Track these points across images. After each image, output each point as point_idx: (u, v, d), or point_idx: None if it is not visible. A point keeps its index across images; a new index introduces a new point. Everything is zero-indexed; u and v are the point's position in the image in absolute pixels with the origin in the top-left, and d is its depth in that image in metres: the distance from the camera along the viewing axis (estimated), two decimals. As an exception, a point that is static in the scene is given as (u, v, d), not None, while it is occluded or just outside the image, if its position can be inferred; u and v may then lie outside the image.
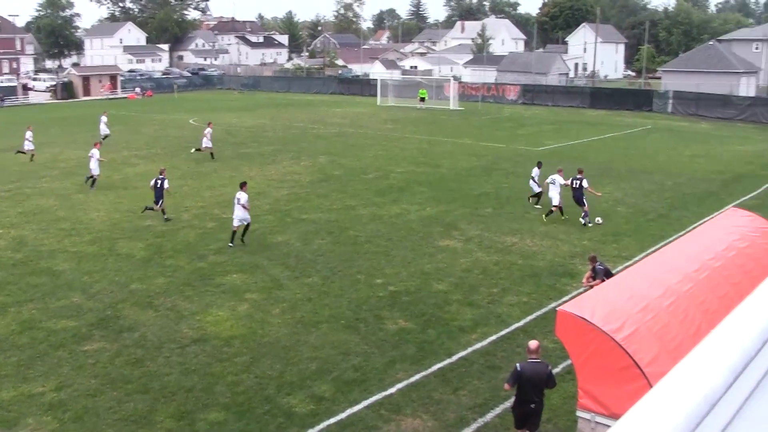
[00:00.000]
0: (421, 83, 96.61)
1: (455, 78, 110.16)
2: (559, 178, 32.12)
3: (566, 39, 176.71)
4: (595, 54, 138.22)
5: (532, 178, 34.92)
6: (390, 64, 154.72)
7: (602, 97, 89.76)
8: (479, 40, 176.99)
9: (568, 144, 56.48)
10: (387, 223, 31.50)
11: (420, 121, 73.80)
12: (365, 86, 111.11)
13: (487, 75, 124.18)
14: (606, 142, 58.36)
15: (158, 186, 32.01)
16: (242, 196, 27.56)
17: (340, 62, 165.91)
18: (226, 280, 24.01)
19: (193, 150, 50.35)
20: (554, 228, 30.81)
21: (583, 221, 31.22)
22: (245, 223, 27.94)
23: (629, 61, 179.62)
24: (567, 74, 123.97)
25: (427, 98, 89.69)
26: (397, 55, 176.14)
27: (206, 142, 48.58)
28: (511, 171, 44.36)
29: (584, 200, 31.45)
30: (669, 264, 15.44)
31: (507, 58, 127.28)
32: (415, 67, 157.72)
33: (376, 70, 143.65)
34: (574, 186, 31.45)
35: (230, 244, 27.72)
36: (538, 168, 34.94)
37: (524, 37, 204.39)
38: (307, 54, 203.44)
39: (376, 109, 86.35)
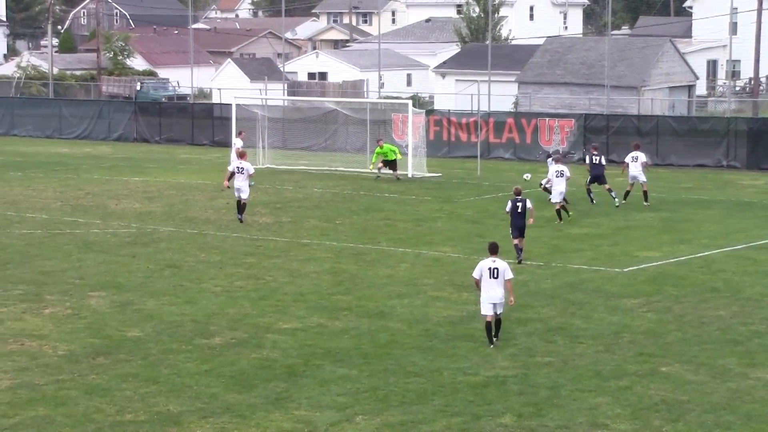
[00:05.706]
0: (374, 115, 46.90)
1: (418, 104, 56.54)
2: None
3: (687, 4, 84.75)
4: (759, 32, 57.97)
5: None
6: (259, 69, 74.67)
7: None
8: (474, 9, 78.65)
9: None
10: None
11: (332, 210, 33.97)
12: (203, 120, 55.12)
13: (501, 96, 56.24)
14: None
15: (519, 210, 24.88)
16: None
17: (138, 62, 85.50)
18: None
19: None
20: None
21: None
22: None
23: None
24: (691, 89, 63.57)
25: (398, 158, 40.46)
26: (276, 45, 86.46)
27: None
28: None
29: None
30: None
31: (541, 53, 63.91)
32: (320, 76, 77.81)
33: (229, 83, 66.80)
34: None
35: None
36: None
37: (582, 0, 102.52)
38: (54, 44, 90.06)
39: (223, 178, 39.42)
